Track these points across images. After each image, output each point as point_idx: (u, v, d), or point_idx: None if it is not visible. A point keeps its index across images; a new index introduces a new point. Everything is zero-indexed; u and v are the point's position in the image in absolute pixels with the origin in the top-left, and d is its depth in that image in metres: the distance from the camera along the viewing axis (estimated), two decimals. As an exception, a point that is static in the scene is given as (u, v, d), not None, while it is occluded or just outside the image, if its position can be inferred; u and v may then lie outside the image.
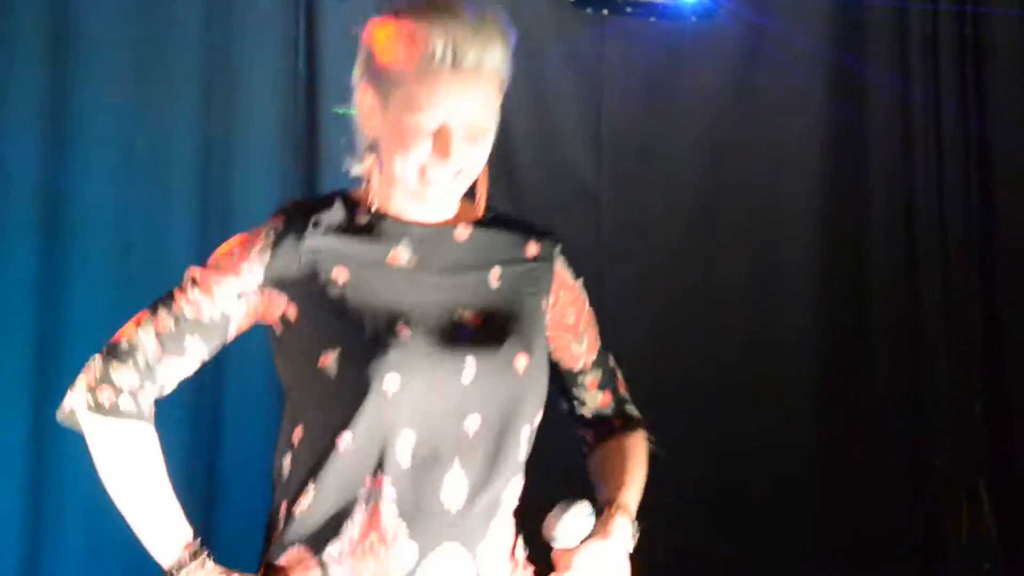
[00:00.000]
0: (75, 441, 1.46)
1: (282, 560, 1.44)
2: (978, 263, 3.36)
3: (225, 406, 3.00)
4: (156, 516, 1.42)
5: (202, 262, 1.45)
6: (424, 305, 1.49)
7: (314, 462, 1.42)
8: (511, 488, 1.49)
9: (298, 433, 1.46)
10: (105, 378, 1.38)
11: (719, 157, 3.32)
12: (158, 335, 1.41)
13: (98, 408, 1.39)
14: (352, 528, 1.41)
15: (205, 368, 1.50)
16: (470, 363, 1.46)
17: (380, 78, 1.48)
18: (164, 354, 1.41)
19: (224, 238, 1.50)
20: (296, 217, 1.49)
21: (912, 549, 3.45)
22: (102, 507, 1.48)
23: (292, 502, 1.45)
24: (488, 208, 1.57)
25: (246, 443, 2.98)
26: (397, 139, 1.47)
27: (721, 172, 3.34)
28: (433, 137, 1.45)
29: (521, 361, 1.49)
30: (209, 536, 1.60)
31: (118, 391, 1.39)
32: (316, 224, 1.48)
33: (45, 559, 2.90)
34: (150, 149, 2.86)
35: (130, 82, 2.87)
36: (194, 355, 1.44)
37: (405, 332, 1.43)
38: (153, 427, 1.41)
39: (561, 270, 1.62)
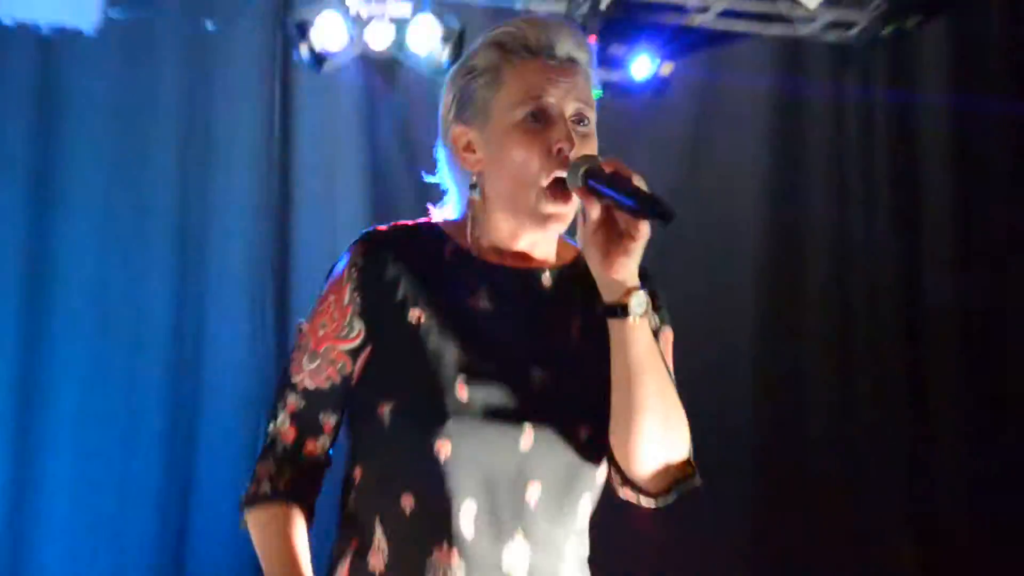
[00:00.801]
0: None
1: None
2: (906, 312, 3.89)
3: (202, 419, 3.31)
4: None
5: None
6: (495, 358, 1.46)
7: (382, 515, 1.44)
8: (571, 552, 1.49)
9: (359, 473, 1.47)
10: (252, 477, 1.46)
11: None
12: (293, 417, 1.47)
13: (246, 503, 1.46)
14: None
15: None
16: (527, 429, 1.43)
17: (474, 103, 1.48)
18: (304, 436, 1.47)
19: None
20: (379, 255, 1.48)
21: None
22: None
23: (363, 547, 1.46)
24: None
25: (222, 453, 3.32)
26: (508, 147, 1.46)
27: (670, 228, 3.61)
28: (545, 127, 1.44)
29: (583, 432, 1.45)
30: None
31: (258, 481, 1.44)
32: (399, 264, 1.47)
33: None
34: (132, 207, 3.17)
35: (113, 144, 3.23)
36: (331, 425, 1.49)
37: (463, 393, 1.40)
38: (293, 504, 1.45)
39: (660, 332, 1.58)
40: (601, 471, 1.45)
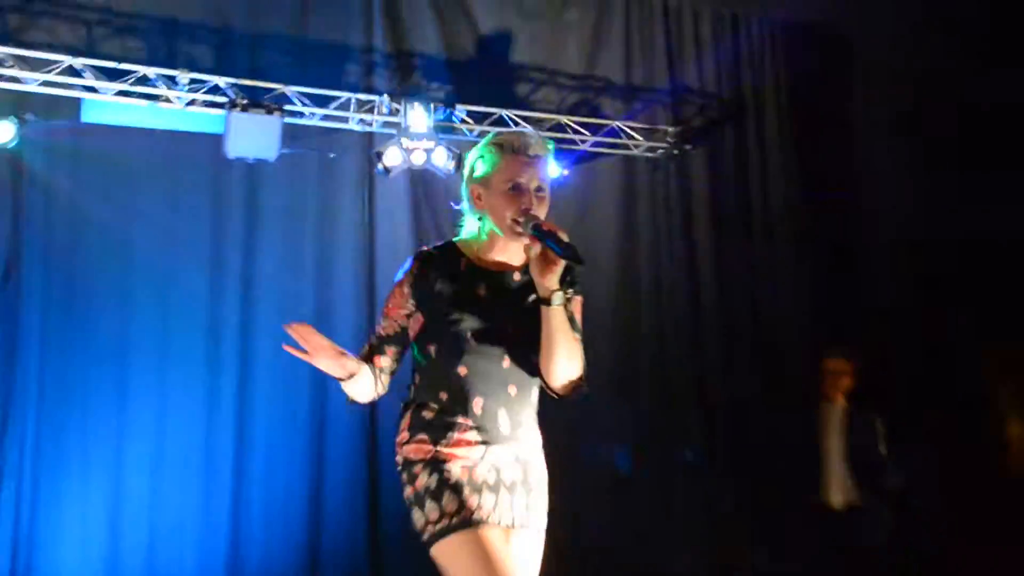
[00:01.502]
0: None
1: (411, 446, 2.52)
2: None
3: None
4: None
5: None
6: (488, 322, 2.49)
7: (431, 399, 2.50)
8: (532, 416, 2.59)
9: (417, 380, 2.56)
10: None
11: None
12: (370, 347, 2.58)
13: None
14: (454, 436, 2.50)
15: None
16: (506, 358, 2.50)
17: (483, 175, 2.50)
18: (372, 354, 2.57)
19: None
20: (425, 265, 2.52)
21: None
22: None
23: (420, 408, 2.54)
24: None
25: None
26: (497, 203, 2.46)
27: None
28: (519, 194, 2.43)
29: (533, 357, 2.50)
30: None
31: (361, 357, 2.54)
32: (437, 270, 2.50)
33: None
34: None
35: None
36: (395, 350, 2.57)
37: (472, 343, 2.48)
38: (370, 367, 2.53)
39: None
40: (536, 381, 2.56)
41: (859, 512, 5.80)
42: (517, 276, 2.55)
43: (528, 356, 2.52)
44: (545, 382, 2.52)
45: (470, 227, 2.57)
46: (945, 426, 6.13)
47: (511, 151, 2.48)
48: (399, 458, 2.55)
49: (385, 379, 2.56)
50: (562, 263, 2.39)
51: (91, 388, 5.13)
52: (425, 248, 2.61)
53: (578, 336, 2.52)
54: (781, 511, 5.87)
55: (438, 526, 2.44)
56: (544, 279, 2.41)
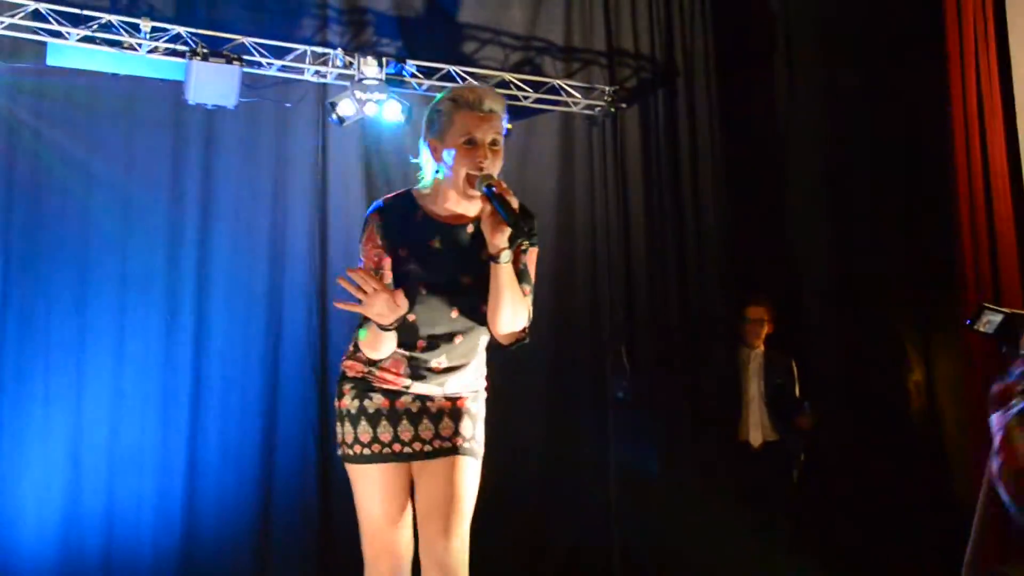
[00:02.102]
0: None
1: (350, 361, 2.72)
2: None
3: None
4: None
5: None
6: (442, 273, 2.59)
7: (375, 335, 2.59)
8: (477, 361, 2.71)
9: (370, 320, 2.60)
10: None
11: None
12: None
13: None
14: (388, 362, 2.65)
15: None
16: (454, 308, 2.61)
17: (439, 129, 2.57)
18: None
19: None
20: (385, 214, 2.63)
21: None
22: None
23: (356, 348, 2.68)
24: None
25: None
26: (453, 158, 2.53)
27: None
28: (473, 148, 2.50)
29: (481, 307, 2.61)
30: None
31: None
32: (395, 223, 2.60)
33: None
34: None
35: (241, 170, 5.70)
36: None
37: (422, 293, 2.58)
38: None
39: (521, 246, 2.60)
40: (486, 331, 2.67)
41: (774, 448, 6.32)
42: (470, 228, 2.65)
43: (476, 307, 2.64)
44: (490, 331, 2.66)
45: (427, 177, 2.68)
46: (854, 368, 6.66)
47: (466, 106, 2.56)
48: (341, 368, 2.76)
49: None
50: (506, 227, 2.49)
51: (52, 323, 5.29)
52: (384, 199, 2.72)
53: (528, 288, 2.62)
54: (704, 447, 6.34)
55: (350, 450, 2.68)
56: (494, 238, 2.50)
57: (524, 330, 2.63)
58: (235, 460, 5.55)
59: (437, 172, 2.61)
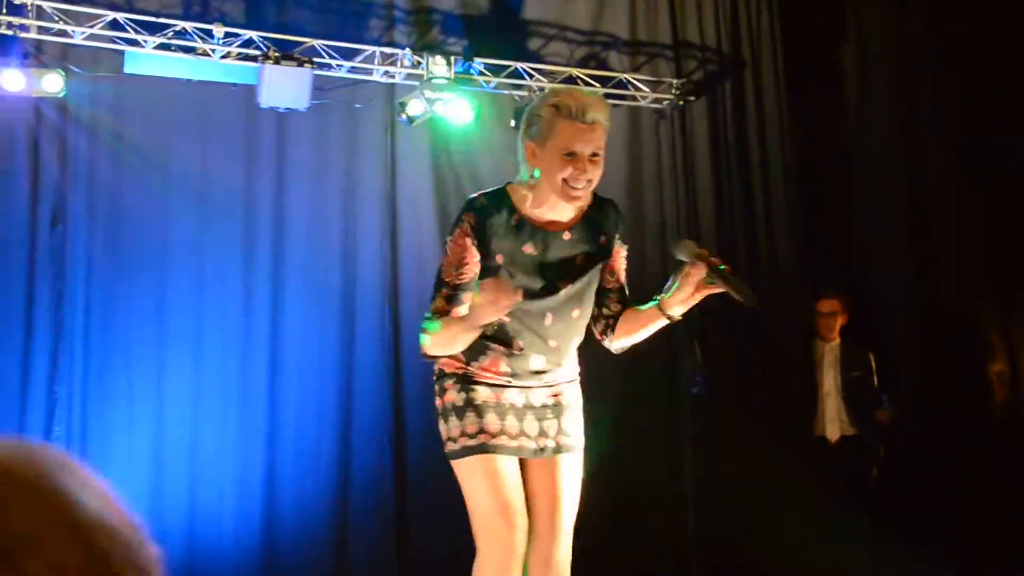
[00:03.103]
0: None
1: (446, 358, 2.69)
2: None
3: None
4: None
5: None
6: (539, 279, 2.58)
7: (487, 342, 2.63)
8: (571, 359, 2.74)
9: None
10: (424, 328, 2.62)
11: None
12: (445, 299, 2.60)
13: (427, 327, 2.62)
14: (487, 359, 2.65)
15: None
16: (549, 315, 2.62)
17: (539, 134, 2.51)
18: (460, 296, 2.59)
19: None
20: (480, 215, 2.58)
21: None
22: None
23: (475, 353, 2.64)
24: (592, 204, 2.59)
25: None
26: (551, 166, 2.49)
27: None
28: (573, 159, 2.46)
29: (574, 312, 2.64)
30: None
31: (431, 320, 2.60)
32: (490, 225, 2.56)
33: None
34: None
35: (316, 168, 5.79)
36: (471, 298, 2.53)
37: (521, 297, 2.50)
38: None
39: (617, 249, 2.69)
40: (583, 328, 2.69)
41: (852, 444, 6.20)
42: (567, 235, 2.64)
43: (571, 313, 2.66)
44: (603, 343, 2.75)
45: (525, 174, 2.65)
46: (933, 359, 6.51)
47: (568, 116, 2.50)
48: (436, 367, 2.73)
49: None
50: (709, 293, 2.53)
51: (133, 327, 5.41)
52: (478, 197, 2.67)
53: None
54: (780, 443, 6.23)
55: (457, 444, 2.64)
56: (683, 304, 2.55)
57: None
58: (312, 461, 5.62)
59: (532, 176, 2.58)
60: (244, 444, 5.51)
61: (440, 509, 5.03)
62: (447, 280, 2.61)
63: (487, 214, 2.58)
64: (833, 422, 6.27)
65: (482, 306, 2.44)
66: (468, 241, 2.58)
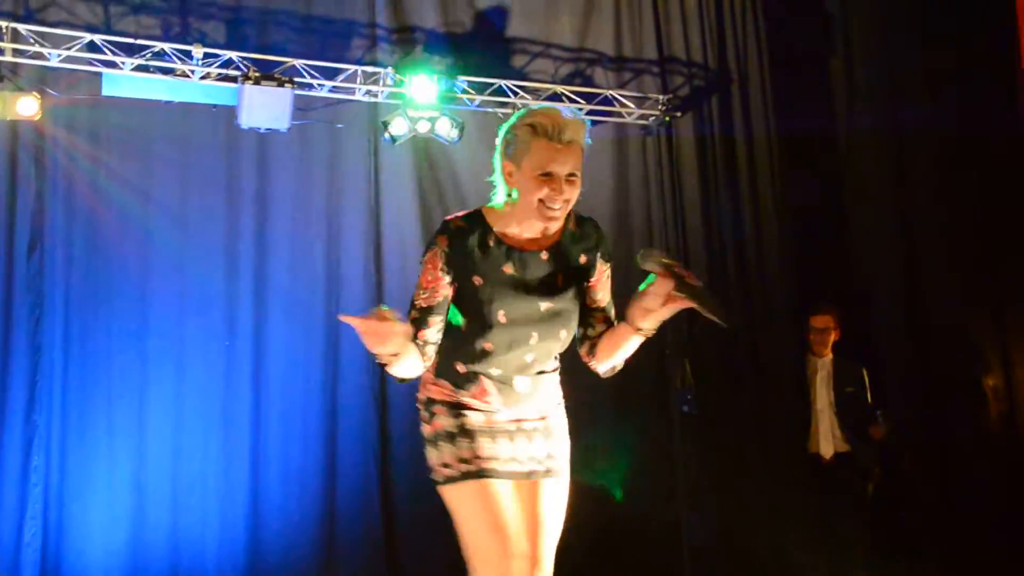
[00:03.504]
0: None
1: (435, 386, 2.61)
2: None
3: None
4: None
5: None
6: (520, 300, 2.52)
7: (459, 357, 2.57)
8: (553, 379, 2.66)
9: (447, 342, 2.57)
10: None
11: None
12: (420, 311, 2.51)
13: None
14: (475, 388, 2.58)
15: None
16: (534, 335, 2.56)
17: (515, 154, 2.46)
18: (427, 319, 2.51)
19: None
20: (455, 238, 2.51)
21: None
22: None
23: (446, 356, 2.57)
24: (569, 224, 2.50)
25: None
26: (528, 186, 2.44)
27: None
28: (549, 180, 2.41)
29: (562, 333, 2.58)
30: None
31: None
32: (466, 247, 2.49)
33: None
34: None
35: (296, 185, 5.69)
36: (439, 320, 2.51)
37: (502, 318, 2.51)
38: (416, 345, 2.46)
39: (601, 268, 2.61)
40: (564, 346, 2.61)
41: (847, 460, 6.10)
42: (544, 255, 2.58)
43: (556, 332, 2.60)
44: (589, 365, 2.67)
45: (500, 196, 2.58)
46: (927, 374, 6.42)
47: (544, 135, 2.44)
48: (422, 395, 2.65)
49: (430, 351, 2.54)
50: (679, 308, 2.45)
51: (113, 354, 5.32)
52: (453, 220, 2.60)
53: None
54: (773, 460, 6.14)
55: (450, 471, 2.56)
56: (654, 319, 2.47)
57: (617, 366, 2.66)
58: (298, 487, 5.51)
59: (510, 196, 2.52)
60: (227, 470, 5.40)
61: (429, 534, 4.94)
62: (416, 303, 2.55)
63: (462, 236, 2.53)
64: (827, 439, 6.16)
65: (368, 343, 2.38)
66: (438, 264, 2.53)
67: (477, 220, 2.55)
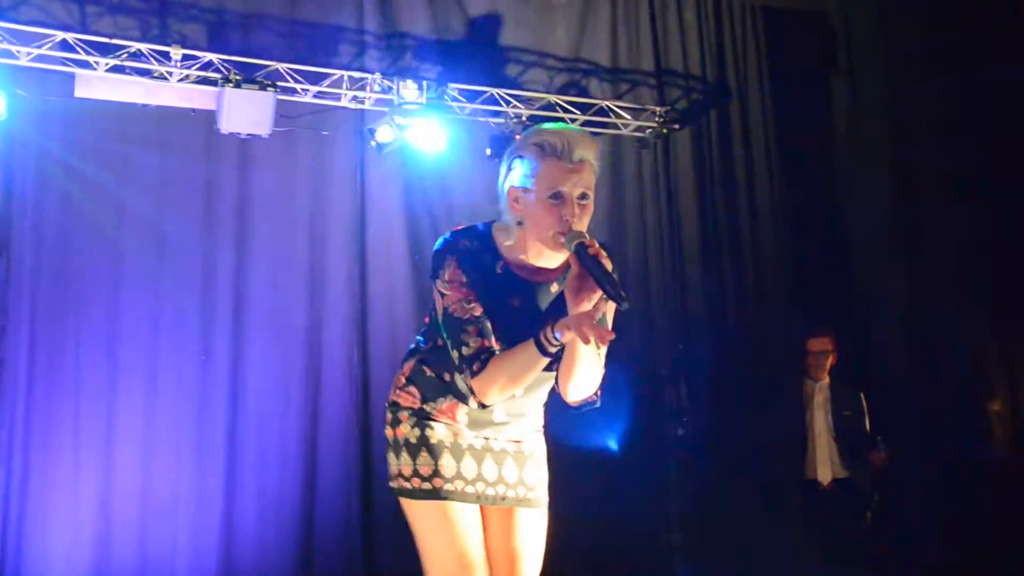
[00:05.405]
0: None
1: (403, 392, 2.49)
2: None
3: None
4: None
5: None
6: (520, 334, 2.29)
7: (438, 370, 2.44)
8: (536, 411, 2.54)
9: (431, 344, 2.47)
10: (470, 371, 2.31)
11: None
12: (471, 322, 2.31)
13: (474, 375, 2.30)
14: (445, 404, 2.45)
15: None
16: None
17: (522, 178, 2.29)
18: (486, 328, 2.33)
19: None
20: (464, 261, 2.34)
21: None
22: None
23: (423, 363, 2.46)
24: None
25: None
26: (537, 212, 2.26)
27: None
28: (560, 203, 2.22)
29: (552, 364, 2.31)
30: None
31: (476, 365, 2.29)
32: (473, 272, 2.31)
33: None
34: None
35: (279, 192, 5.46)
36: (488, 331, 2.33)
37: (497, 347, 2.32)
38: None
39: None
40: (552, 380, 2.43)
41: (845, 486, 5.92)
42: (555, 287, 2.40)
43: (551, 374, 2.43)
44: (559, 391, 2.43)
45: (509, 221, 2.39)
46: (929, 402, 6.25)
47: (554, 155, 2.26)
48: (391, 397, 2.53)
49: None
50: (596, 295, 2.19)
51: (82, 367, 5.08)
52: (460, 239, 2.40)
53: (602, 352, 2.36)
54: (769, 486, 5.97)
55: (409, 484, 2.44)
56: (577, 303, 2.20)
57: (596, 393, 2.37)
58: (274, 511, 5.27)
59: (519, 223, 2.32)
60: (200, 494, 5.16)
61: (411, 561, 4.68)
62: (463, 317, 2.32)
63: (470, 259, 2.34)
64: (824, 464, 6.00)
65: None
66: (463, 279, 2.33)
67: (485, 240, 2.37)
